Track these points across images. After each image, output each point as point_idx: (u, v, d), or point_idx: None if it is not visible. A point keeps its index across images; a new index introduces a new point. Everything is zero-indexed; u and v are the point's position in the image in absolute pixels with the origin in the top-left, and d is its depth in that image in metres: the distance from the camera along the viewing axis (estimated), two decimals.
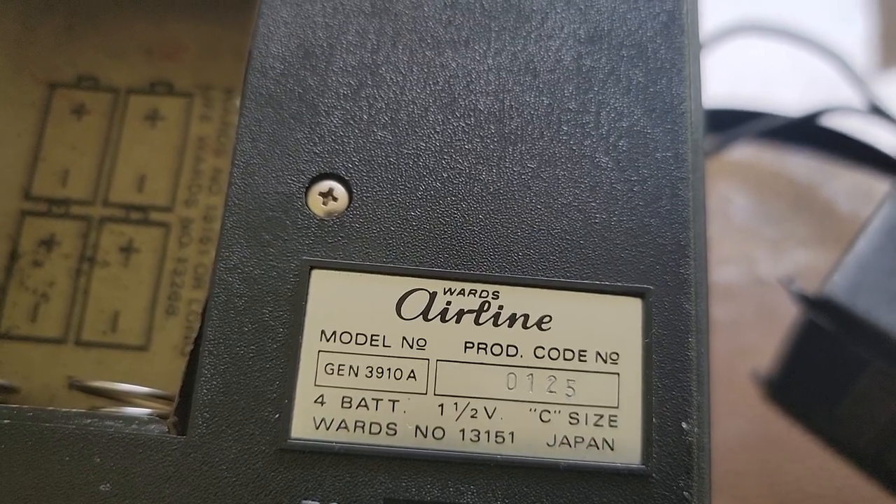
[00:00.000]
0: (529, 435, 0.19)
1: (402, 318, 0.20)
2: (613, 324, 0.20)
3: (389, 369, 0.20)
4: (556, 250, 0.21)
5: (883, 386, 0.31)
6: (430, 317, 0.20)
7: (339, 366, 0.20)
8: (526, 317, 0.20)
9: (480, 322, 0.20)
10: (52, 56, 0.27)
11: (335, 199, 0.21)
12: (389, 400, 0.19)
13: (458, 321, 0.20)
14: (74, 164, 0.26)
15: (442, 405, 0.19)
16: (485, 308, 0.20)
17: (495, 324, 0.20)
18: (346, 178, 0.21)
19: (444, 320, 0.20)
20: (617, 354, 0.20)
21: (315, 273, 0.20)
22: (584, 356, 0.20)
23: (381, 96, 0.21)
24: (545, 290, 0.20)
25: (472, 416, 0.19)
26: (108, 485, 0.19)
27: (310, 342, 0.20)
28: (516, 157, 0.21)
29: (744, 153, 0.47)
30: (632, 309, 0.20)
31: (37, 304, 0.24)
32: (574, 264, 0.20)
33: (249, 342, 0.20)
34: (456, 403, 0.19)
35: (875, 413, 0.32)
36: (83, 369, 0.24)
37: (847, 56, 0.42)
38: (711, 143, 0.40)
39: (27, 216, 0.25)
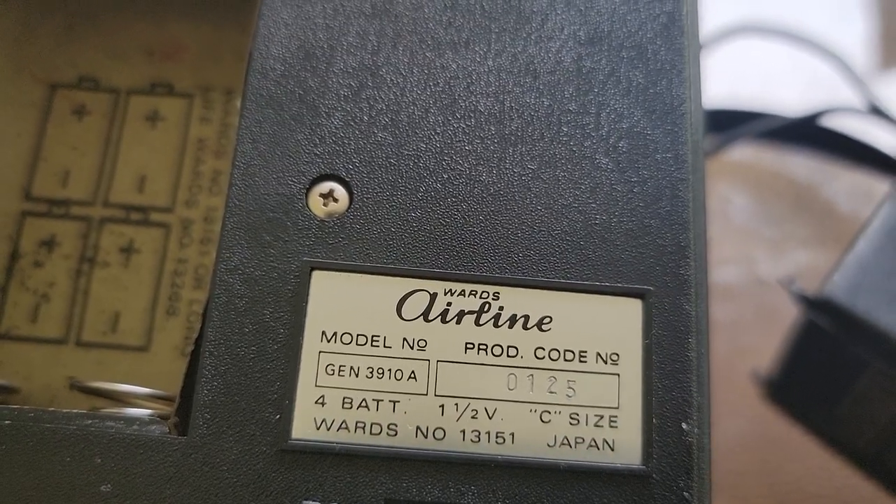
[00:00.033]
0: (530, 435, 0.19)
1: (402, 318, 0.20)
2: (614, 325, 0.20)
3: (390, 370, 0.20)
4: (556, 251, 0.21)
5: (883, 386, 0.31)
6: (430, 317, 0.20)
7: (340, 366, 0.20)
8: (526, 318, 0.20)
9: (481, 323, 0.20)
10: (52, 56, 0.27)
11: (336, 200, 0.21)
12: (390, 401, 0.19)
13: (458, 322, 0.20)
14: (75, 165, 0.26)
15: (442, 406, 0.19)
16: (485, 309, 0.20)
17: (496, 325, 0.20)
18: (347, 179, 0.21)
19: (444, 321, 0.20)
20: (617, 355, 0.20)
21: (316, 274, 0.20)
22: (585, 357, 0.20)
23: (381, 98, 0.21)
24: (545, 291, 0.20)
25: (473, 417, 0.19)
26: (109, 485, 0.19)
27: (310, 343, 0.20)
28: (516, 159, 0.21)
29: (744, 154, 0.47)
30: (632, 310, 0.20)
31: (37, 304, 0.24)
32: (574, 265, 0.20)
33: (250, 343, 0.20)
34: (456, 404, 0.19)
35: (875, 413, 0.32)
36: (84, 370, 0.24)
37: (847, 56, 0.42)
38: (711, 144, 0.40)
39: (27, 217, 0.25)
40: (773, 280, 0.42)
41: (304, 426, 0.19)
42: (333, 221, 0.20)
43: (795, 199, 0.46)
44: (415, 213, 0.21)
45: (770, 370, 0.36)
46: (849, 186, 0.46)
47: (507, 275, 0.20)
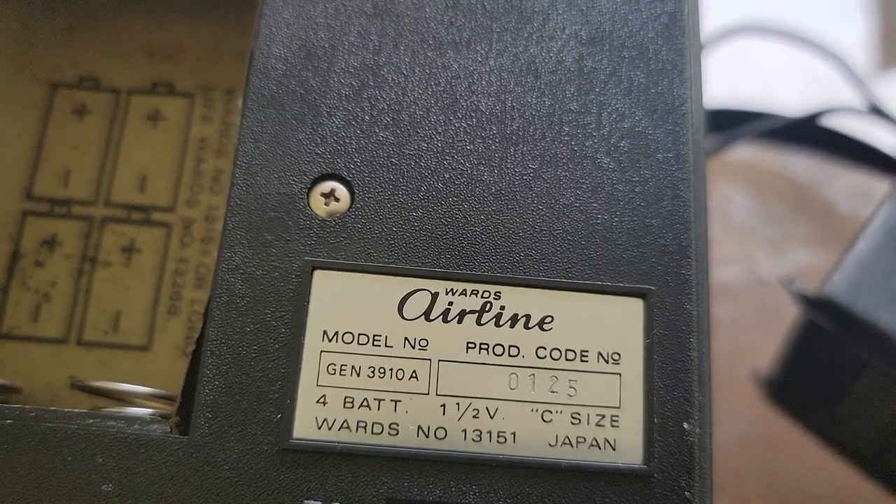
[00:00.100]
0: (531, 435, 0.19)
1: (403, 318, 0.20)
2: (615, 324, 0.20)
3: (391, 369, 0.20)
4: (557, 251, 0.21)
5: (883, 386, 0.31)
6: (431, 317, 0.20)
7: (342, 366, 0.20)
8: (528, 317, 0.20)
9: (482, 322, 0.20)
10: (53, 56, 0.27)
11: (337, 199, 0.21)
12: (391, 400, 0.19)
13: (459, 321, 0.20)
14: (76, 165, 0.26)
15: (444, 405, 0.19)
16: (487, 308, 0.20)
17: (497, 324, 0.20)
18: (348, 178, 0.21)
19: (445, 321, 0.20)
20: (618, 355, 0.20)
21: (317, 273, 0.20)
22: (586, 356, 0.20)
23: (382, 97, 0.21)
24: (547, 291, 0.20)
25: (474, 417, 0.19)
26: (110, 485, 0.19)
27: (312, 342, 0.20)
28: (518, 158, 0.21)
29: (744, 153, 0.47)
30: (633, 309, 0.20)
31: (38, 304, 0.24)
32: (575, 265, 0.20)
33: (252, 342, 0.20)
34: (458, 404, 0.19)
35: (875, 413, 0.32)
36: (85, 369, 0.24)
37: (847, 56, 0.42)
38: (712, 144, 0.40)
39: (29, 216, 0.25)
40: (774, 280, 0.42)
41: (305, 425, 0.19)
42: (335, 221, 0.20)
43: (796, 198, 0.46)
44: (416, 212, 0.21)
45: (770, 370, 0.36)
46: (849, 186, 0.46)
47: (508, 274, 0.20)
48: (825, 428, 0.35)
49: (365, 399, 0.19)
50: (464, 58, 0.22)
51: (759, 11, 0.46)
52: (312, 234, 0.20)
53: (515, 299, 0.20)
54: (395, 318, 0.20)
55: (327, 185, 0.21)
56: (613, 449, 0.19)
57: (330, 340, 0.20)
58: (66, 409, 0.20)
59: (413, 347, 0.20)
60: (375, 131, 0.21)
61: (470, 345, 0.20)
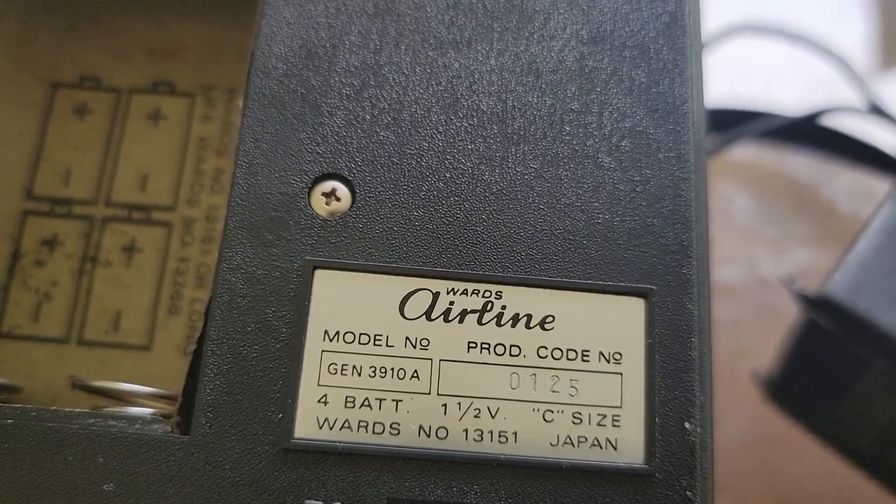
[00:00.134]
0: (533, 435, 0.19)
1: (405, 317, 0.20)
2: (616, 324, 0.20)
3: (393, 369, 0.20)
4: (558, 250, 0.21)
5: (884, 385, 0.31)
6: (433, 317, 0.20)
7: (343, 365, 0.20)
8: (529, 317, 0.20)
9: (483, 322, 0.20)
10: (53, 56, 0.27)
11: (338, 199, 0.21)
12: (393, 400, 0.19)
13: (461, 321, 0.20)
14: (77, 164, 0.26)
15: (445, 405, 0.19)
16: (488, 308, 0.20)
17: (498, 324, 0.20)
18: (349, 178, 0.21)
19: (447, 320, 0.20)
20: (620, 354, 0.20)
21: (318, 273, 0.20)
22: (587, 356, 0.20)
23: (383, 97, 0.21)
24: (548, 290, 0.20)
25: (476, 416, 0.19)
26: (111, 484, 0.19)
27: (313, 342, 0.20)
28: (519, 158, 0.21)
29: (745, 153, 0.47)
30: (635, 309, 0.20)
31: (39, 303, 0.24)
32: (577, 264, 0.20)
33: (253, 342, 0.20)
34: (459, 403, 0.19)
35: (876, 413, 0.32)
36: (86, 369, 0.24)
37: (847, 56, 0.42)
38: (712, 143, 0.40)
39: (29, 216, 0.25)
40: (774, 279, 0.42)
41: (306, 425, 0.19)
42: (336, 220, 0.20)
43: (796, 198, 0.46)
44: (417, 212, 0.21)
45: (771, 369, 0.36)
46: (849, 186, 0.46)
47: (509, 274, 0.20)
48: (826, 427, 0.35)
49: (366, 399, 0.19)
50: (465, 57, 0.22)
51: (760, 11, 0.46)
52: (313, 234, 0.20)
53: (517, 299, 0.20)
54: (397, 317, 0.20)
55: (328, 185, 0.21)
56: (615, 449, 0.19)
57: (331, 340, 0.20)
58: (67, 409, 0.20)
59: (414, 347, 0.20)
60: (376, 131, 0.21)
61: (471, 344, 0.20)
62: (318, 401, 0.19)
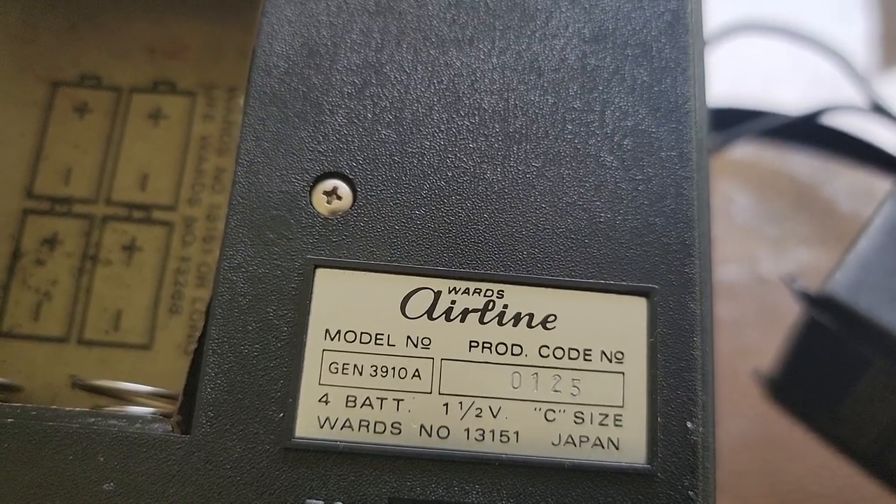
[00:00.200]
0: (534, 434, 0.19)
1: (406, 316, 0.20)
2: (618, 323, 0.20)
3: (394, 368, 0.20)
4: (560, 249, 0.21)
5: (885, 385, 0.31)
6: (434, 316, 0.20)
7: (344, 365, 0.20)
8: (531, 316, 0.20)
9: (485, 321, 0.20)
10: (54, 55, 0.27)
11: (339, 197, 0.21)
12: (394, 399, 0.19)
13: (462, 320, 0.20)
14: (77, 163, 0.26)
15: (447, 404, 0.19)
16: (489, 307, 0.20)
17: (500, 323, 0.20)
18: (351, 176, 0.21)
19: (448, 319, 0.20)
20: (622, 353, 0.20)
21: (319, 272, 0.20)
22: (589, 355, 0.20)
23: (385, 95, 0.21)
24: (550, 290, 0.20)
25: (477, 416, 0.19)
26: (111, 484, 0.19)
27: (314, 341, 0.20)
28: (521, 156, 0.21)
29: (745, 152, 0.47)
30: (637, 308, 0.20)
31: (39, 302, 0.24)
32: (579, 263, 0.20)
33: (253, 341, 0.20)
34: (461, 403, 0.19)
35: (877, 412, 0.32)
36: (86, 368, 0.24)
37: (848, 55, 0.42)
38: (713, 142, 0.40)
39: (30, 215, 0.25)
40: (775, 278, 0.42)
41: (307, 424, 0.19)
42: (337, 219, 0.20)
43: (797, 197, 0.46)
44: (419, 210, 0.21)
45: (772, 369, 0.36)
46: (850, 185, 0.46)
47: (511, 273, 0.20)
48: (827, 427, 0.35)
49: (367, 398, 0.19)
50: (466, 56, 0.22)
51: (760, 10, 0.46)
52: (314, 233, 0.20)
53: (518, 298, 0.20)
54: (398, 316, 0.20)
55: (329, 184, 0.21)
56: (617, 448, 0.19)
57: (332, 339, 0.20)
58: (68, 408, 0.20)
59: (416, 346, 0.20)
60: (378, 129, 0.21)
61: (473, 343, 0.20)
62: (320, 400, 0.19)
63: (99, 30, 0.27)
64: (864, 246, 0.32)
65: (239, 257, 0.20)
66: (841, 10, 0.52)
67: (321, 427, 0.19)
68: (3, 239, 0.25)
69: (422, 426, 0.19)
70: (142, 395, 0.21)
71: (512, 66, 0.22)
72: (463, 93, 0.21)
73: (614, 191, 0.21)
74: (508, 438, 0.19)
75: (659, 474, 0.19)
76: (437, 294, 0.20)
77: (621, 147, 0.21)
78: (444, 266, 0.20)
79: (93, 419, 0.19)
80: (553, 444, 0.19)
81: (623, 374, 0.20)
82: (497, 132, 0.21)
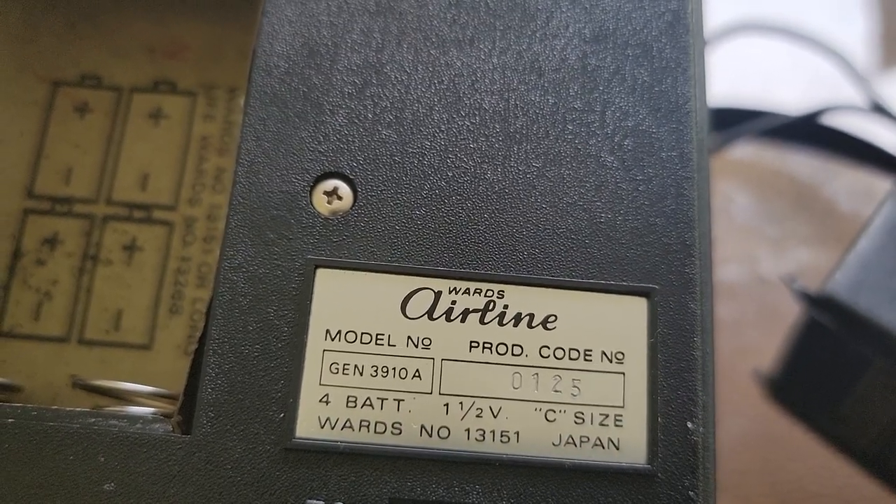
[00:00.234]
0: (535, 434, 0.19)
1: (406, 317, 0.20)
2: (619, 323, 0.20)
3: (394, 368, 0.20)
4: (561, 249, 0.21)
5: (885, 384, 0.31)
6: (435, 316, 0.20)
7: (344, 365, 0.20)
8: (531, 316, 0.20)
9: (485, 321, 0.20)
10: (55, 55, 0.26)
11: (340, 197, 0.21)
12: (394, 399, 0.19)
13: (463, 320, 0.20)
14: (77, 163, 0.26)
15: (447, 404, 0.19)
16: (490, 307, 0.20)
17: (500, 323, 0.20)
18: (351, 176, 0.21)
19: (449, 319, 0.20)
20: (622, 354, 0.20)
21: (320, 272, 0.20)
22: (590, 356, 0.20)
23: (385, 95, 0.21)
24: (550, 290, 0.20)
25: (478, 416, 0.19)
26: (112, 484, 0.19)
27: (314, 341, 0.20)
28: (521, 157, 0.21)
29: (745, 152, 0.47)
30: (637, 308, 0.20)
31: (40, 302, 0.24)
32: (579, 263, 0.20)
33: (254, 341, 0.20)
34: (461, 403, 0.19)
35: (877, 412, 0.32)
36: (86, 368, 0.24)
37: (848, 55, 0.42)
38: (713, 142, 0.40)
39: (30, 214, 0.25)
40: (775, 278, 0.42)
41: (308, 425, 0.19)
42: (337, 219, 0.20)
43: (797, 197, 0.46)
44: (419, 210, 0.21)
45: (772, 369, 0.36)
46: (850, 185, 0.46)
47: (511, 273, 0.20)
48: (827, 427, 0.35)
49: (368, 398, 0.19)
50: (467, 56, 0.22)
51: (760, 10, 0.46)
52: (315, 233, 0.20)
53: (519, 298, 0.20)
54: (398, 316, 0.20)
55: (330, 184, 0.21)
56: (617, 448, 0.19)
57: (333, 339, 0.20)
58: (68, 408, 0.20)
59: (416, 346, 0.20)
60: (378, 129, 0.21)
61: (473, 344, 0.20)
62: (320, 400, 0.19)
63: (99, 30, 0.27)
64: (864, 246, 0.32)
65: (239, 257, 0.20)
66: (841, 10, 0.52)
67: (322, 427, 0.19)
68: (4, 239, 0.25)
69: (422, 426, 0.19)
70: (142, 395, 0.21)
71: (512, 66, 0.22)
72: (463, 93, 0.21)
73: (615, 191, 0.21)
74: (509, 439, 0.19)
75: (659, 474, 0.19)
76: (438, 294, 0.20)
77: (622, 147, 0.21)
78: (444, 266, 0.20)
79: (93, 419, 0.19)
80: (553, 444, 0.19)
81: (623, 374, 0.20)
82: (498, 132, 0.21)
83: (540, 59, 0.22)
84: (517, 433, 0.19)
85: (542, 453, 0.19)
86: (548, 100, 0.22)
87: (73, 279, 0.25)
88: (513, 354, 0.20)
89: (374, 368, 0.20)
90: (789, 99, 0.45)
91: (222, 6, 0.27)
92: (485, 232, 0.21)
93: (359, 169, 0.21)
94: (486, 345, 0.20)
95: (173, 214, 0.25)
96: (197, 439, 0.19)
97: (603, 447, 0.19)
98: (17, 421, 0.19)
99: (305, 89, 0.21)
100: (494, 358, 0.20)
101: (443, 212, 0.21)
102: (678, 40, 0.22)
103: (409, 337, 0.20)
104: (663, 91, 0.22)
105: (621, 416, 0.20)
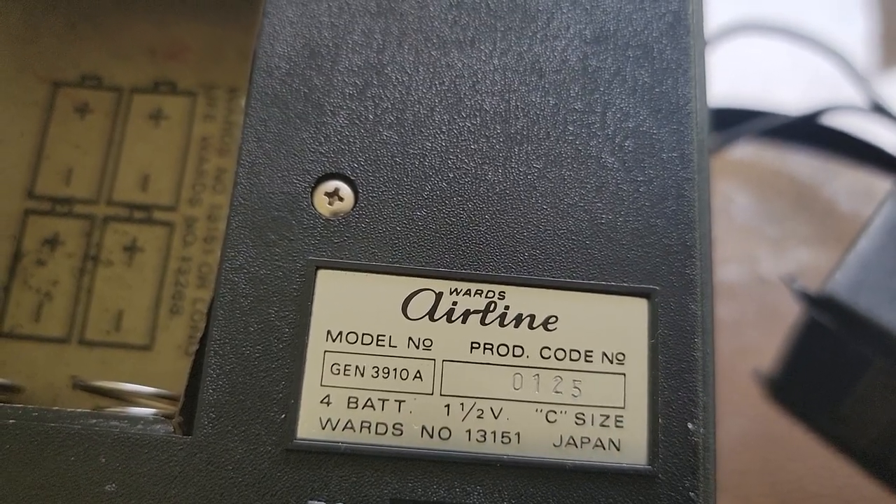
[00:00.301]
0: (536, 435, 0.19)
1: (408, 318, 0.20)
2: (619, 324, 0.20)
3: (395, 369, 0.20)
4: (562, 250, 0.21)
5: (885, 384, 0.31)
6: (436, 317, 0.20)
7: (346, 366, 0.20)
8: (532, 317, 0.20)
9: (486, 322, 0.20)
10: (55, 55, 0.26)
11: (341, 198, 0.21)
12: (395, 400, 0.19)
13: (464, 321, 0.20)
14: (78, 163, 0.26)
15: (448, 405, 0.19)
16: (491, 308, 0.20)
17: (501, 324, 0.20)
18: (352, 177, 0.21)
19: (450, 320, 0.20)
20: (623, 355, 0.20)
21: (321, 273, 0.20)
22: (591, 356, 0.20)
23: (386, 96, 0.21)
24: (551, 291, 0.20)
25: (479, 417, 0.19)
26: (113, 485, 0.19)
27: (316, 342, 0.20)
28: (522, 158, 0.21)
29: (745, 152, 0.47)
30: (638, 309, 0.20)
31: (40, 303, 0.24)
32: (580, 264, 0.20)
33: (255, 342, 0.20)
34: (462, 404, 0.19)
35: (877, 412, 0.32)
36: (87, 369, 0.24)
37: (848, 55, 0.42)
38: (713, 142, 0.40)
39: (31, 215, 0.25)
40: (775, 278, 0.42)
41: (309, 426, 0.19)
42: (339, 220, 0.20)
43: (797, 197, 0.46)
44: (420, 211, 0.21)
45: (772, 369, 0.36)
46: (850, 185, 0.46)
47: (512, 274, 0.20)
48: (827, 427, 0.35)
49: (369, 399, 0.19)
50: (468, 57, 0.22)
51: (760, 10, 0.46)
52: (316, 234, 0.20)
53: (520, 299, 0.20)
54: (399, 317, 0.20)
55: (331, 185, 0.21)
56: (618, 449, 0.19)
57: (334, 340, 0.20)
58: (69, 409, 0.20)
59: (417, 347, 0.20)
60: (379, 130, 0.21)
61: (474, 345, 0.20)
62: (321, 401, 0.19)
63: (100, 30, 0.27)
64: (864, 246, 0.32)
65: (240, 258, 0.20)
66: (841, 10, 0.52)
67: (323, 428, 0.19)
68: (5, 239, 0.25)
69: (423, 427, 0.19)
70: (143, 395, 0.21)
71: (513, 67, 0.22)
72: (464, 94, 0.21)
73: (615, 192, 0.21)
74: (510, 439, 0.19)
75: (660, 475, 0.19)
76: (439, 295, 0.20)
77: (622, 148, 0.21)
78: (445, 267, 0.20)
79: (94, 420, 0.19)
80: (554, 445, 0.19)
81: (624, 375, 0.20)
82: (498, 133, 0.21)
83: (541, 60, 0.22)
84: (518, 434, 0.19)
85: (542, 454, 0.19)
86: (548, 101, 0.22)
87: (74, 280, 0.25)
88: (514, 355, 0.20)
89: (376, 369, 0.20)
90: (789, 99, 0.45)
91: (223, 7, 0.27)
92: (486, 233, 0.21)
93: (360, 170, 0.21)
94: (486, 346, 0.20)
95: (174, 215, 0.25)
96: (198, 440, 0.19)
97: (604, 448, 0.19)
98: (17, 422, 0.19)
99: (306, 90, 0.21)
100: (495, 359, 0.20)
101: (444, 213, 0.21)
102: (679, 41, 0.22)
103: (410, 338, 0.20)
104: (664, 92, 0.22)
105: (622, 416, 0.20)
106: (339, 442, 0.19)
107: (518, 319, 0.20)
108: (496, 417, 0.19)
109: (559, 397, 0.20)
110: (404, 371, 0.20)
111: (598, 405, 0.20)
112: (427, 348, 0.20)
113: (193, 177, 0.25)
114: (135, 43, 0.27)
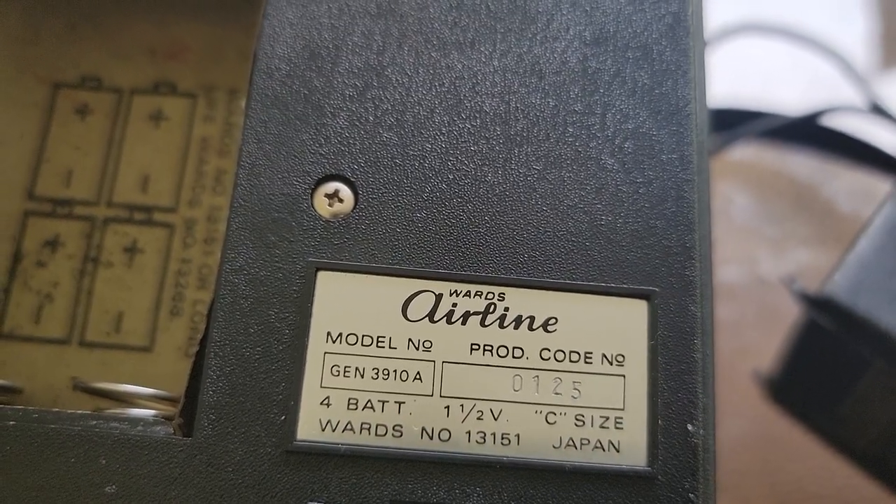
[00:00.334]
0: (535, 437, 0.19)
1: (407, 319, 0.20)
2: (619, 326, 0.20)
3: (395, 371, 0.20)
4: (561, 252, 0.21)
5: (885, 385, 0.31)
6: (435, 318, 0.20)
7: (345, 367, 0.20)
8: (532, 318, 0.20)
9: (486, 324, 0.20)
10: (55, 56, 0.26)
11: (341, 200, 0.21)
12: (395, 402, 0.19)
13: (463, 323, 0.20)
14: (78, 165, 0.26)
15: (448, 407, 0.19)
16: (491, 310, 0.20)
17: (501, 325, 0.20)
18: (352, 179, 0.21)
19: (449, 322, 0.20)
20: (623, 356, 0.20)
21: (321, 274, 0.20)
22: (590, 358, 0.20)
23: (386, 98, 0.21)
24: (551, 292, 0.20)
25: (479, 418, 0.19)
26: (113, 486, 0.19)
27: (316, 344, 0.20)
28: (522, 159, 0.21)
29: (745, 153, 0.47)
30: (637, 311, 0.20)
31: (40, 304, 0.24)
32: (580, 266, 0.20)
33: (255, 344, 0.20)
34: (462, 405, 0.19)
35: (877, 413, 0.32)
36: (87, 370, 0.24)
37: (848, 55, 0.42)
38: (713, 143, 0.40)
39: (31, 217, 0.25)
40: (775, 279, 0.42)
41: (309, 427, 0.19)
42: (339, 222, 0.20)
43: (796, 198, 0.46)
44: (420, 213, 0.21)
45: (771, 370, 0.36)
46: (849, 186, 0.46)
47: (512, 275, 0.20)
48: (827, 428, 0.35)
49: (369, 400, 0.19)
50: (468, 58, 0.22)
51: (760, 10, 0.46)
52: (316, 235, 0.20)
53: (519, 300, 0.20)
54: (399, 319, 0.20)
55: (331, 186, 0.21)
56: (617, 451, 0.19)
57: (334, 342, 0.20)
58: (69, 411, 0.20)
59: (417, 349, 0.20)
60: (379, 132, 0.21)
61: (474, 346, 0.20)
62: (321, 403, 0.19)
63: (100, 31, 0.27)
64: (863, 247, 0.32)
65: (240, 260, 0.20)
66: (841, 10, 0.52)
67: (323, 430, 0.19)
68: (5, 241, 0.25)
69: (423, 429, 0.19)
70: (143, 397, 0.21)
71: (513, 68, 0.22)
72: (464, 95, 0.21)
73: (615, 193, 0.21)
74: (509, 441, 0.19)
75: (660, 477, 0.19)
76: (439, 297, 0.20)
77: (622, 150, 0.21)
78: (445, 269, 0.20)
79: (94, 422, 0.19)
80: (554, 446, 0.19)
81: (624, 376, 0.20)
82: (498, 135, 0.21)
83: (540, 61, 0.22)
84: (518, 435, 0.19)
85: (542, 456, 0.19)
86: (548, 102, 0.22)
87: (74, 281, 0.25)
88: (513, 357, 0.20)
89: (375, 371, 0.20)
90: (789, 100, 0.45)
91: (223, 8, 0.27)
92: (485, 234, 0.21)
93: (360, 171, 0.21)
94: (486, 347, 0.20)
95: (174, 216, 0.25)
96: (198, 442, 0.19)
97: (603, 449, 0.19)
98: (17, 423, 0.19)
99: (306, 92, 0.21)
100: (495, 360, 0.20)
101: (444, 214, 0.21)
102: (678, 43, 0.22)
103: (409, 339, 0.20)
104: (664, 94, 0.22)
105: (622, 418, 0.20)
106: (338, 443, 0.19)
107: (518, 321, 0.20)
108: (496, 419, 0.19)
109: (559, 399, 0.20)
110: (404, 372, 0.20)
111: (598, 407, 0.20)
112: (427, 350, 0.20)
113: (193, 178, 0.25)
114: (135, 43, 0.27)
